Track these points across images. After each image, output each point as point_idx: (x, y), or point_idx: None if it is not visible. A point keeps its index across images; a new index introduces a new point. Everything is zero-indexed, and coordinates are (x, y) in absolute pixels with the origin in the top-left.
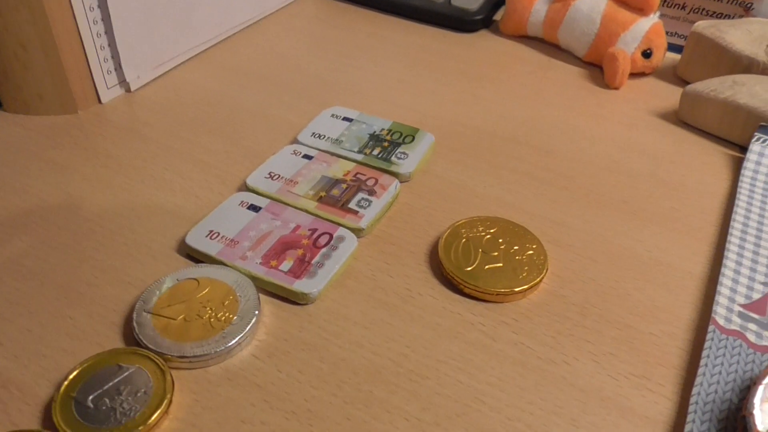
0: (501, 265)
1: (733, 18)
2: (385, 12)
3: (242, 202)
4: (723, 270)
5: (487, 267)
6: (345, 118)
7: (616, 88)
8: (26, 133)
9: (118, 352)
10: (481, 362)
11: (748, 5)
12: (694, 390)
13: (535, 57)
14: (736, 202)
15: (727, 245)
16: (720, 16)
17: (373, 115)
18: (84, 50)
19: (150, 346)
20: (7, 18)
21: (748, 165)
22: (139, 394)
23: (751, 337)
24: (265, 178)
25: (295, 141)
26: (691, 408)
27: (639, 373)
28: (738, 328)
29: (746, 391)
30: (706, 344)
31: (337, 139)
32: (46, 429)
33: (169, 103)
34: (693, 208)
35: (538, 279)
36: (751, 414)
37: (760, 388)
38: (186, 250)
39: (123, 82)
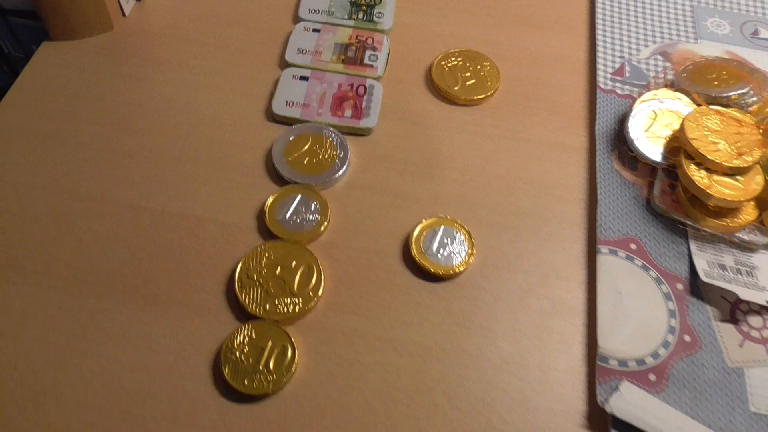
0: (474, 81)
1: None
2: None
3: (293, 76)
4: (597, 51)
5: (467, 84)
6: None
7: None
8: (87, 55)
9: (286, 190)
10: (481, 141)
11: None
12: (596, 127)
13: None
14: None
15: (597, 35)
16: None
17: None
18: None
19: (298, 181)
20: None
21: None
22: (313, 209)
23: (620, 91)
24: (297, 53)
25: (300, 19)
26: (597, 140)
27: (562, 126)
28: (611, 88)
29: (622, 123)
30: (597, 101)
31: (328, 11)
32: (265, 239)
33: (179, 4)
34: (569, 7)
35: (498, 85)
36: (632, 141)
37: (630, 120)
38: (275, 118)
39: None
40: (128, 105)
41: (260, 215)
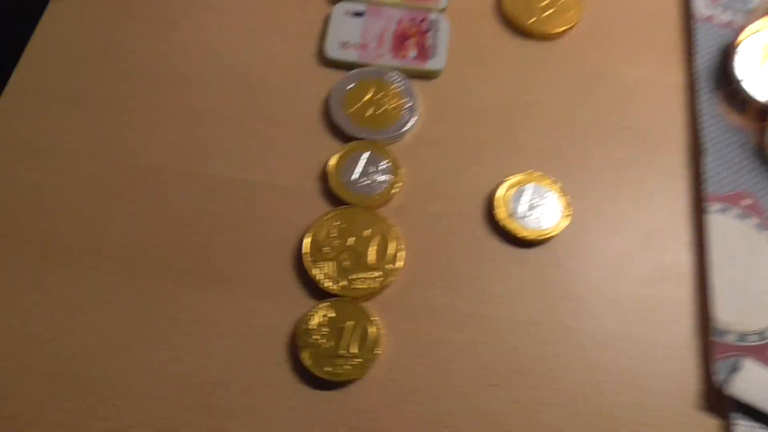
0: (552, 10)
1: None
2: None
3: (346, 11)
4: None
5: (544, 15)
6: None
7: None
8: (110, 1)
9: (350, 147)
10: (564, 82)
11: None
12: (696, 62)
13: None
14: None
15: None
16: None
17: None
18: None
19: (362, 136)
20: None
21: None
22: (382, 168)
23: (721, 18)
24: None
25: None
26: (697, 77)
27: (656, 62)
28: (710, 14)
29: (727, 57)
30: (695, 31)
31: None
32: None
33: None
34: None
35: (579, 15)
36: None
37: (737, 53)
38: (329, 62)
39: None
40: (162, 56)
41: (323, 177)
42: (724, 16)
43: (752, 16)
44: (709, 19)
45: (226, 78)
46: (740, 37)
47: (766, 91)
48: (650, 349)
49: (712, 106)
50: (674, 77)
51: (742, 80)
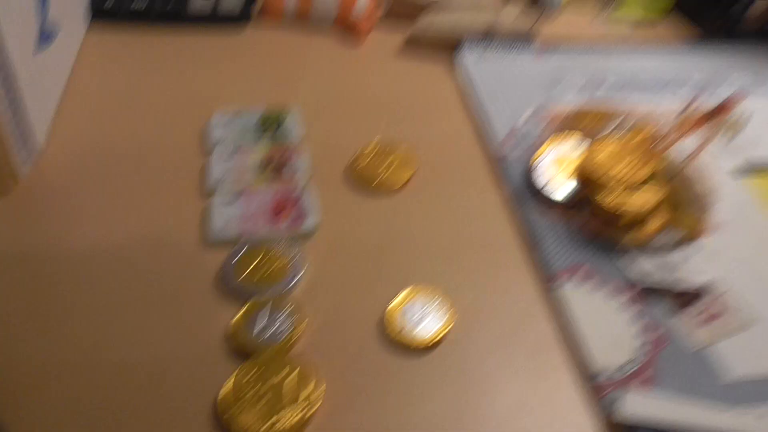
0: (392, 169)
1: None
2: (160, 22)
3: (222, 200)
4: (484, 126)
5: (387, 173)
6: (230, 120)
7: (364, 39)
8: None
9: (250, 306)
10: (417, 218)
11: None
12: (509, 183)
13: (298, 34)
14: (466, 83)
15: (479, 113)
16: None
17: (241, 111)
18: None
19: (257, 294)
20: None
21: (462, 62)
22: (283, 317)
23: (515, 152)
24: (219, 178)
25: (212, 149)
26: (513, 194)
27: (481, 190)
28: (507, 152)
29: (529, 175)
30: (501, 161)
31: (239, 136)
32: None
33: (77, 156)
34: (449, 95)
35: (413, 169)
36: (542, 187)
37: (535, 170)
38: (215, 242)
39: (30, 151)
40: (50, 263)
41: (229, 339)
42: (516, 152)
43: (536, 146)
44: (509, 154)
45: (116, 273)
46: (534, 159)
47: (561, 191)
48: (550, 408)
49: (530, 211)
50: (498, 197)
51: (543, 187)
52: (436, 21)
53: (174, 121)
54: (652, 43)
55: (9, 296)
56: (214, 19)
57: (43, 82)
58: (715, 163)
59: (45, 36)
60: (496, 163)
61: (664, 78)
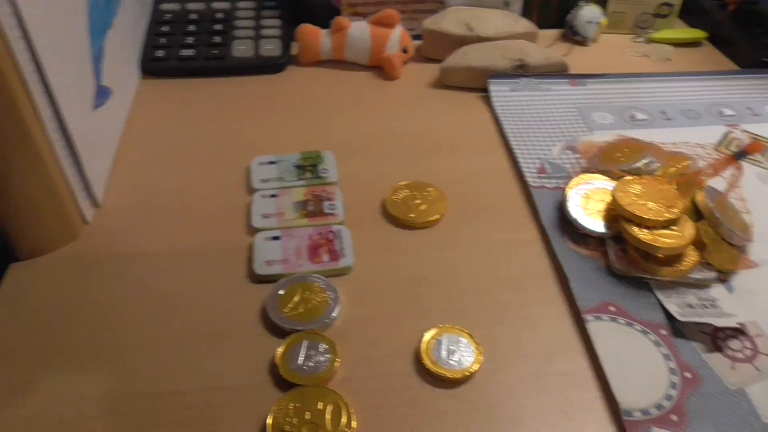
0: (425, 205)
1: (435, 11)
2: (204, 76)
3: (265, 237)
4: (517, 159)
5: (420, 209)
6: (270, 162)
7: (397, 78)
8: (58, 267)
9: (291, 339)
10: (450, 254)
11: (441, 0)
12: (542, 218)
13: (333, 73)
14: (500, 117)
15: (512, 147)
16: (427, 10)
17: (282, 154)
18: (67, 183)
19: (299, 329)
20: (22, 189)
21: (493, 97)
22: (322, 350)
23: (548, 185)
24: (262, 218)
25: (255, 189)
26: (547, 228)
27: (513, 226)
28: (540, 185)
29: (562, 209)
30: (534, 197)
31: (278, 177)
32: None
33: (133, 204)
34: (480, 130)
35: (446, 205)
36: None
37: (568, 204)
38: (259, 278)
39: (92, 201)
40: (111, 303)
41: (272, 369)
42: (551, 184)
43: (567, 178)
44: (541, 188)
45: (170, 309)
46: (566, 192)
47: (595, 225)
48: None
49: (563, 245)
50: (530, 233)
51: (576, 220)
52: (468, 56)
53: (219, 163)
54: (686, 73)
55: (75, 331)
56: (256, 63)
57: (102, 137)
58: (761, 191)
59: (101, 95)
60: (529, 196)
61: (698, 109)
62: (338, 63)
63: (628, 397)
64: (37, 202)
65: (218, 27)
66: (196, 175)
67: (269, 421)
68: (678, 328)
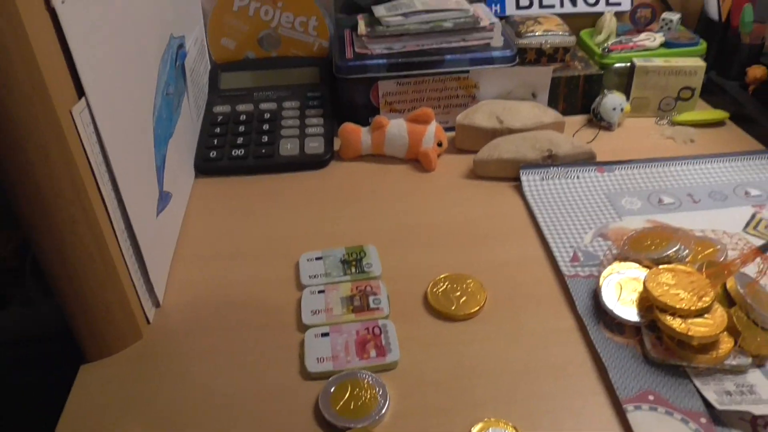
0: (465, 297)
1: (467, 105)
2: (254, 174)
3: (315, 334)
4: (551, 247)
5: (461, 302)
6: (317, 258)
7: (433, 170)
8: (125, 366)
9: None
10: (491, 346)
11: (473, 95)
12: (577, 306)
13: (374, 167)
14: (532, 206)
15: (545, 235)
16: (460, 104)
17: (328, 248)
18: (134, 286)
19: (350, 426)
20: (96, 294)
21: (525, 186)
22: None
23: (582, 273)
24: (312, 314)
25: (304, 286)
26: (583, 317)
27: (550, 314)
28: (574, 273)
29: (596, 297)
30: (569, 285)
31: (325, 273)
32: None
33: (189, 301)
34: (514, 219)
35: (485, 295)
36: (610, 311)
37: (602, 293)
38: (311, 375)
39: (154, 301)
40: (173, 402)
41: None
42: (584, 272)
43: (600, 266)
44: (574, 276)
45: (229, 409)
46: (600, 281)
47: (630, 314)
48: None
49: (600, 334)
50: (567, 321)
51: (612, 310)
52: (500, 148)
53: (269, 259)
54: (710, 155)
55: (142, 430)
56: (302, 160)
57: (163, 240)
58: None
59: (163, 200)
60: (564, 285)
61: (724, 191)
62: (378, 157)
63: None
64: (109, 307)
65: (266, 127)
66: (247, 271)
67: None
68: (718, 417)
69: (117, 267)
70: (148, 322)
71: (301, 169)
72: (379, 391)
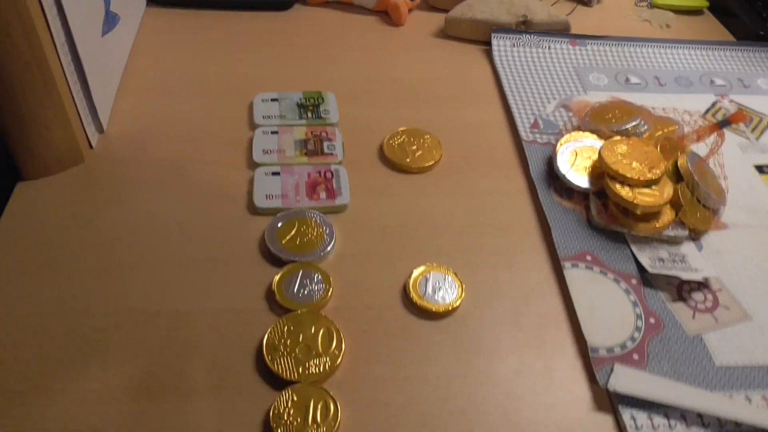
0: (421, 152)
1: None
2: (210, 8)
3: (265, 172)
4: (513, 112)
5: (416, 155)
6: (273, 99)
7: (402, 25)
8: (64, 188)
9: (288, 269)
10: (441, 200)
11: None
12: (531, 171)
13: (340, 15)
14: (499, 71)
15: (509, 100)
16: None
17: (284, 92)
18: (75, 106)
19: (295, 260)
20: (34, 110)
21: (495, 50)
22: (316, 280)
23: (540, 140)
24: (264, 154)
25: (257, 125)
26: (535, 180)
27: (503, 176)
28: (532, 139)
29: (551, 163)
30: (525, 150)
31: (280, 115)
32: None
33: (136, 131)
34: (479, 83)
35: (441, 152)
36: (563, 176)
37: (557, 159)
38: (258, 211)
39: (98, 126)
40: (115, 226)
41: (269, 296)
42: (542, 139)
43: (559, 135)
44: (532, 142)
45: (173, 235)
46: (557, 148)
47: (581, 181)
48: (548, 376)
49: (549, 198)
50: (518, 184)
51: (564, 175)
52: (473, 8)
53: (221, 97)
54: (683, 41)
55: (80, 249)
56: (262, 1)
57: (109, 63)
58: (740, 159)
59: (109, 21)
60: (520, 149)
61: (690, 77)
62: (345, 5)
63: (596, 337)
64: (47, 124)
65: None
66: (198, 107)
67: (265, 341)
68: (648, 279)
69: (57, 81)
70: (91, 146)
71: (262, 8)
72: (326, 230)
